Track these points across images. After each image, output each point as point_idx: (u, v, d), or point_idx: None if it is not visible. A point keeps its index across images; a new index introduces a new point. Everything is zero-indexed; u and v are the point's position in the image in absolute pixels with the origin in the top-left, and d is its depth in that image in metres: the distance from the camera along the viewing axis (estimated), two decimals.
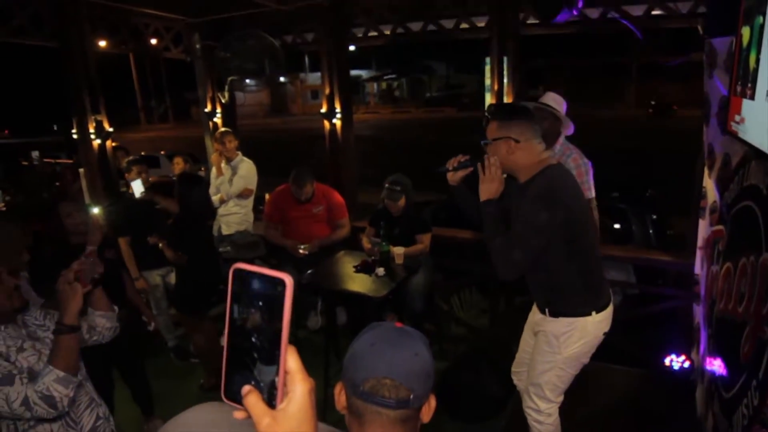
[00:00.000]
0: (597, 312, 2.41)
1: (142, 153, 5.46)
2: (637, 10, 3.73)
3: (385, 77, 46.35)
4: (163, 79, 41.02)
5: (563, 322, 2.43)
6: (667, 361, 3.77)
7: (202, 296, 4.18)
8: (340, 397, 1.19)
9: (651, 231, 5.81)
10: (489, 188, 2.33)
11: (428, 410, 1.16)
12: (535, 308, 2.69)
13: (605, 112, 22.04)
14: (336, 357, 4.02)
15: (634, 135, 18.75)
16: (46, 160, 9.66)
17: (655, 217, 5.96)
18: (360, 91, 45.81)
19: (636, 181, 7.13)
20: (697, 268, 3.62)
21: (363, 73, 45.76)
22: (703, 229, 3.46)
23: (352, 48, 5.46)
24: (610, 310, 2.49)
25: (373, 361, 1.10)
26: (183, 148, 16.90)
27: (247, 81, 5.09)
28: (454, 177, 2.55)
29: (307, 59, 40.96)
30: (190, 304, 4.10)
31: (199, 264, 3.97)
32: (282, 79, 5.26)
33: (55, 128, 29.55)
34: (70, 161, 8.69)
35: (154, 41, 5.63)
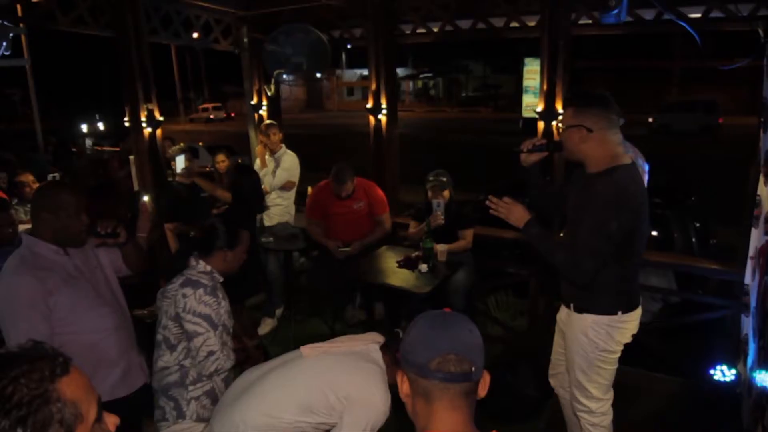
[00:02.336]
0: (623, 313, 2.39)
1: (182, 144, 5.59)
2: (694, 12, 3.65)
3: (421, 76, 46.21)
4: (202, 71, 41.77)
5: (588, 320, 2.42)
6: (711, 372, 3.68)
7: (241, 285, 4.26)
8: (403, 385, 1.26)
9: (693, 239, 5.66)
10: (515, 220, 2.39)
11: (484, 385, 1.24)
12: (562, 307, 2.67)
13: (644, 116, 21.54)
14: None
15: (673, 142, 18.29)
16: (95, 147, 9.97)
17: (698, 225, 5.81)
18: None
19: (679, 187, 6.95)
20: (748, 278, 3.54)
21: (399, 71, 45.72)
22: (756, 238, 3.37)
23: None
24: (637, 312, 2.46)
25: (435, 341, 1.19)
26: (220, 140, 17.19)
27: (292, 75, 5.17)
28: (527, 159, 2.57)
29: (344, 56, 41.19)
30: (232, 292, 4.17)
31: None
32: (318, 75, 5.32)
33: (97, 117, 30.32)
34: (117, 149, 8.94)
35: (195, 35, 5.75)
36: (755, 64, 3.49)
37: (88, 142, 9.61)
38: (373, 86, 4.86)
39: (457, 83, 46.02)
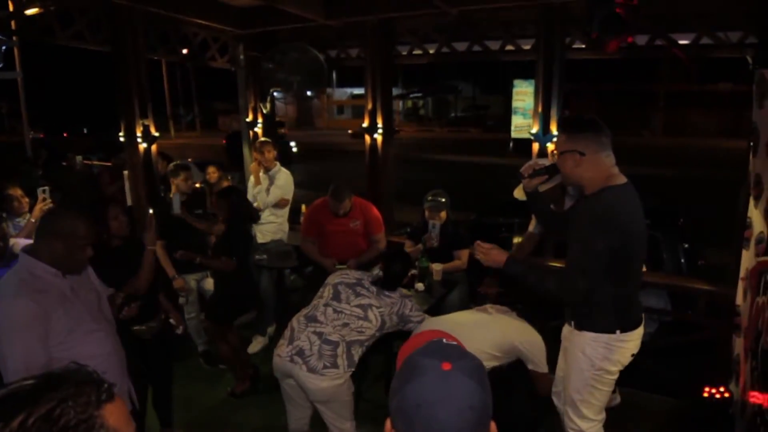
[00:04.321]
0: (622, 332, 2.41)
1: (177, 161, 5.58)
2: (685, 38, 3.75)
3: (411, 95, 46.61)
4: (193, 88, 41.82)
5: (588, 337, 2.45)
6: (704, 392, 3.71)
7: (237, 306, 4.23)
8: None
9: (683, 260, 5.74)
10: (494, 263, 2.47)
11: None
12: (566, 324, 2.70)
13: (632, 139, 21.92)
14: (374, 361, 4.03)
15: (663, 163, 18.58)
16: (84, 162, 9.88)
17: (687, 246, 5.89)
18: None
19: (668, 209, 7.05)
20: (739, 299, 3.59)
21: None
22: (747, 259, 3.43)
23: None
24: (638, 332, 2.48)
25: (422, 427, 1.00)
26: (210, 157, 17.17)
27: (288, 94, 5.21)
28: (529, 183, 2.63)
29: (335, 75, 41.48)
30: (222, 313, 4.14)
31: (241, 272, 4.03)
32: (309, 93, 5.37)
33: (86, 131, 30.09)
34: (108, 163, 8.88)
35: (185, 51, 5.79)
36: (738, 89, 3.59)
37: (78, 158, 9.53)
38: (369, 106, 4.92)
39: (446, 103, 46.45)
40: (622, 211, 2.29)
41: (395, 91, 46.97)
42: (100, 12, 4.77)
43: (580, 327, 2.48)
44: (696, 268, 5.73)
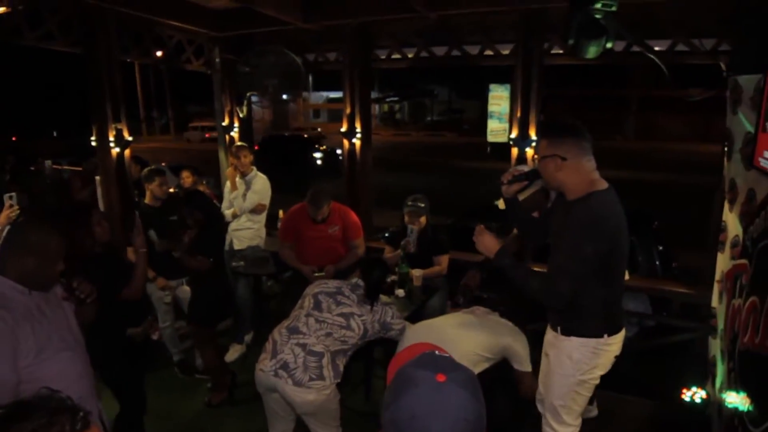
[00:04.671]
0: (609, 335, 2.43)
1: (152, 166, 5.44)
2: (661, 45, 3.81)
3: (387, 99, 46.67)
4: (166, 91, 41.17)
5: (575, 342, 2.45)
6: (681, 394, 3.76)
7: (216, 307, 4.16)
8: None
9: (657, 263, 5.83)
10: (485, 249, 2.44)
11: None
12: (548, 328, 2.71)
13: (605, 143, 22.28)
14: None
15: (637, 167, 18.92)
16: (54, 166, 9.63)
17: (661, 248, 5.99)
18: None
19: (642, 212, 7.17)
20: (714, 302, 3.64)
21: None
22: (722, 262, 3.48)
23: None
24: (621, 334, 2.51)
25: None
26: (184, 161, 16.89)
27: (265, 97, 5.15)
28: (508, 190, 2.63)
29: (311, 78, 41.27)
30: (205, 315, 4.07)
31: (217, 272, 3.98)
32: (284, 96, 5.32)
33: (55, 134, 29.41)
34: (78, 168, 8.67)
35: (159, 53, 5.67)
36: (709, 94, 3.65)
37: (47, 162, 9.29)
38: (348, 110, 4.88)
39: (422, 107, 46.61)
40: (609, 216, 2.30)
41: (372, 95, 47.09)
42: (72, 12, 4.63)
43: (568, 333, 2.48)
44: (670, 271, 5.83)
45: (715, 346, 3.52)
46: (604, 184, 2.38)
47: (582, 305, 2.37)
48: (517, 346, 3.15)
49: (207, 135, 32.27)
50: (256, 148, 20.47)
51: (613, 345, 2.46)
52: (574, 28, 2.84)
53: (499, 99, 18.65)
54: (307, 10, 4.76)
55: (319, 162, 19.26)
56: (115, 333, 2.98)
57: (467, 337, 3.05)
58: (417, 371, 1.03)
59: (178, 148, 31.31)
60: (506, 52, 4.28)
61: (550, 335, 2.65)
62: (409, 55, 4.79)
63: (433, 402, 0.98)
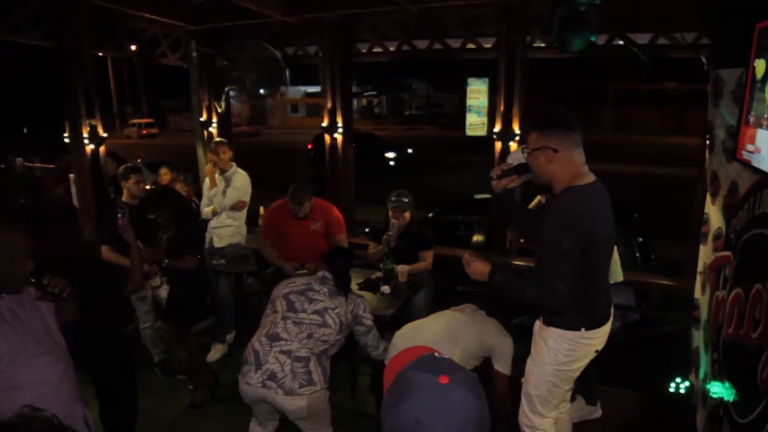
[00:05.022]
0: (587, 329, 2.43)
1: (128, 163, 5.31)
2: (642, 39, 3.81)
3: (366, 93, 46.53)
4: (141, 85, 40.42)
5: (555, 333, 2.46)
6: (666, 385, 3.80)
7: (194, 306, 4.08)
8: None
9: (637, 254, 5.89)
10: (477, 275, 2.45)
11: None
12: (537, 320, 2.71)
13: (582, 136, 22.55)
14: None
15: (614, 159, 19.15)
16: (25, 164, 9.36)
17: (641, 240, 6.05)
18: None
19: (622, 204, 7.25)
20: (697, 293, 3.68)
21: None
22: (705, 254, 3.51)
23: None
24: (605, 329, 2.50)
25: None
26: (160, 157, 16.60)
27: (243, 92, 5.05)
28: (498, 185, 2.60)
29: (288, 73, 40.87)
30: (180, 315, 3.98)
31: (196, 270, 3.91)
32: (262, 91, 5.23)
33: (25, 131, 28.71)
34: (51, 165, 8.45)
35: (133, 47, 5.53)
36: (683, 87, 3.68)
37: (18, 160, 9.04)
38: (329, 105, 4.81)
39: (401, 102, 46.59)
40: (584, 212, 2.25)
41: None
42: (42, 4, 4.46)
43: (548, 323, 2.50)
44: (650, 262, 5.90)
45: (698, 337, 3.55)
46: (588, 178, 2.36)
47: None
48: (503, 347, 3.16)
49: (144, 132, 35.79)
50: (309, 147, 17.56)
51: (593, 339, 2.46)
52: (557, 21, 2.82)
53: (477, 93, 18.71)
54: (287, 2, 4.67)
55: (392, 163, 17.90)
56: (109, 334, 2.90)
57: (465, 336, 3.07)
58: (418, 374, 1.00)
59: (155, 144, 30.89)
60: (488, 45, 4.25)
61: (536, 326, 2.66)
62: (391, 49, 4.73)
63: (438, 405, 0.95)
